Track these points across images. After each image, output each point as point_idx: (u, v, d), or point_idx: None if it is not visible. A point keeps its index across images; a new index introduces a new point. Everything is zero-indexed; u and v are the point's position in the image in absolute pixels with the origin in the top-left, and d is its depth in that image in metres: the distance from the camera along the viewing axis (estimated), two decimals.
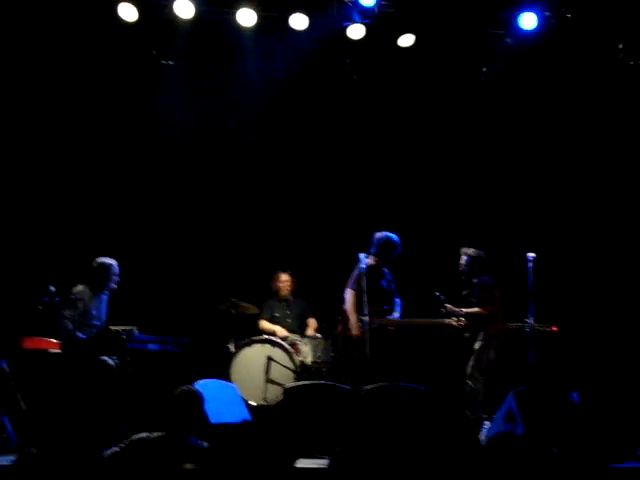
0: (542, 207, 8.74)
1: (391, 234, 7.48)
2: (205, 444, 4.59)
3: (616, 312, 8.31)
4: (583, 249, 8.56)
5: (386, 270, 7.57)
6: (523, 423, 5.81)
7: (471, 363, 7.15)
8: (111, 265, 7.20)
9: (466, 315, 7.19)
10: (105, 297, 7.27)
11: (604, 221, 8.58)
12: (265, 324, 8.17)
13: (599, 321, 8.32)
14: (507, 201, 8.80)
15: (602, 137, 8.60)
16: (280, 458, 3.79)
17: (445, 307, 7.21)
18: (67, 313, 6.85)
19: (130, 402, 6.59)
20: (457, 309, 7.21)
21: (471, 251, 7.40)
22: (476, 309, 7.19)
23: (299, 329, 8.14)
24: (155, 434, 4.57)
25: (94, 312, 7.14)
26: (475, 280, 7.33)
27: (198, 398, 4.71)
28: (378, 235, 7.50)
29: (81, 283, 7.14)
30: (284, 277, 8.29)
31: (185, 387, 4.75)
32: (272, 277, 8.32)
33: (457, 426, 5.73)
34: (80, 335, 6.85)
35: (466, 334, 7.25)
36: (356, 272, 7.36)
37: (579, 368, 7.92)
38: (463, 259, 7.40)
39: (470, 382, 7.10)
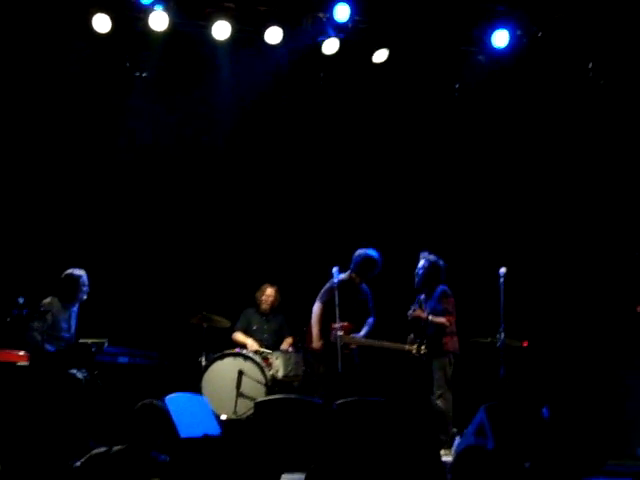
0: (513, 222, 8.81)
1: (372, 252, 7.41)
2: (166, 458, 4.51)
3: (586, 327, 8.38)
4: (553, 264, 8.64)
5: (364, 287, 7.52)
6: (493, 437, 5.82)
7: (437, 383, 7.00)
8: (80, 276, 7.14)
9: (430, 322, 7.00)
10: (75, 309, 7.20)
11: (574, 236, 8.66)
12: (239, 335, 8.14)
13: (569, 336, 8.38)
14: (479, 216, 8.86)
15: (572, 154, 8.70)
16: (265, 474, 3.76)
17: (413, 310, 7.10)
18: (36, 325, 6.77)
19: (99, 416, 6.52)
20: (424, 314, 7.05)
21: (432, 257, 7.27)
22: (442, 318, 7.04)
23: (274, 345, 8.09)
24: (115, 448, 4.50)
25: (63, 324, 7.07)
26: (437, 288, 7.16)
27: (160, 411, 4.62)
28: (358, 252, 7.42)
29: (50, 295, 7.07)
30: (269, 291, 8.25)
31: (147, 401, 4.67)
32: (257, 288, 8.28)
33: (420, 442, 5.72)
34: (49, 347, 6.78)
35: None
36: (327, 286, 7.35)
37: (549, 383, 7.97)
38: (421, 263, 7.27)
39: (439, 402, 6.92)
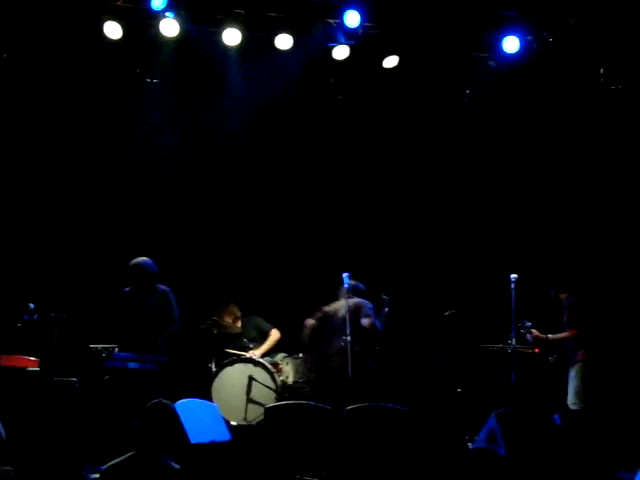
0: (525, 229, 8.78)
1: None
2: (177, 465, 4.42)
3: (598, 332, 8.32)
4: (564, 269, 8.59)
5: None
6: (505, 444, 5.79)
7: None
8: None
9: (552, 340, 7.23)
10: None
11: (586, 242, 8.62)
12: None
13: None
14: (490, 223, 8.84)
15: (583, 160, 8.67)
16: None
17: (531, 332, 7.17)
18: None
19: (109, 422, 6.50)
20: (542, 335, 7.19)
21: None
22: (563, 334, 7.21)
23: (260, 343, 8.06)
24: (126, 455, 4.41)
25: None
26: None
27: (169, 412, 4.52)
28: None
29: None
30: (227, 317, 8.21)
31: (156, 401, 4.57)
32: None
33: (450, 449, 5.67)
34: None
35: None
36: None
37: (561, 390, 7.92)
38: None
39: None
